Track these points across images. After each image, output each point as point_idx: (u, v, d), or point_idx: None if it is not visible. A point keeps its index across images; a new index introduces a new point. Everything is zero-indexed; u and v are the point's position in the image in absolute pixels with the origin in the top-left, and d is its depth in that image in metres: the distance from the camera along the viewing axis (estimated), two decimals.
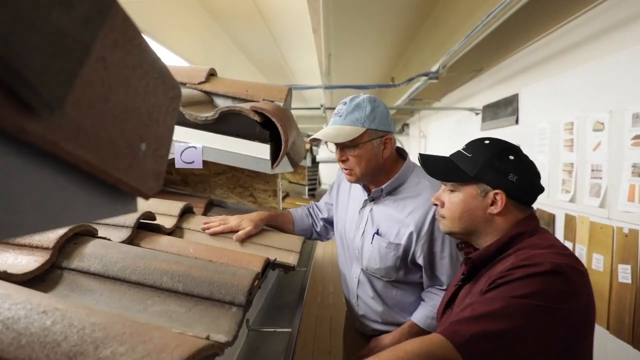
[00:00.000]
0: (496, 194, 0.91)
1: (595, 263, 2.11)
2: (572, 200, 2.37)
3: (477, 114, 4.02)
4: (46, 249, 0.71)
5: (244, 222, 1.24)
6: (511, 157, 0.92)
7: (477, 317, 0.76)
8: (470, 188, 0.94)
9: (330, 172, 6.87)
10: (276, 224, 1.40)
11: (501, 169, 0.91)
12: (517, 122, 3.18)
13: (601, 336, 1.95)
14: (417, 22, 3.41)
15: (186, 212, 1.25)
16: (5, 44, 0.20)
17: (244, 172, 1.54)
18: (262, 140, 1.21)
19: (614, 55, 2.07)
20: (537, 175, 0.95)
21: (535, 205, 0.97)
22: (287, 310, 1.27)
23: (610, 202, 2.05)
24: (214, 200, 1.55)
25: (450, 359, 0.72)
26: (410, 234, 1.22)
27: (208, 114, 1.20)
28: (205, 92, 1.42)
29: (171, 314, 0.66)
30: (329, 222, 1.56)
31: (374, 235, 1.29)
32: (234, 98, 1.42)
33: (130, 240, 0.92)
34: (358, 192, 1.40)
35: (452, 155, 1.02)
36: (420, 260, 1.24)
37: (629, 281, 1.90)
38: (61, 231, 0.74)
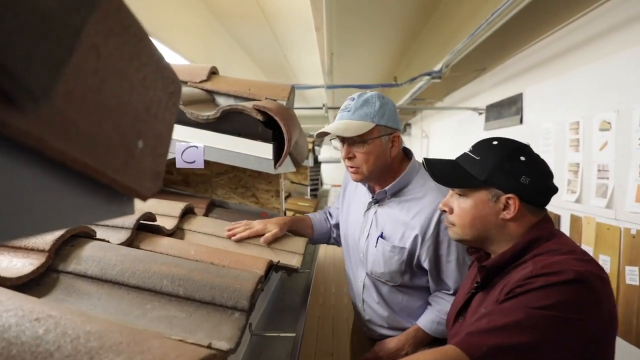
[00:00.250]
0: (508, 198, 0.87)
1: (602, 265, 2.08)
2: (577, 200, 2.34)
3: (480, 113, 3.99)
4: (42, 251, 0.68)
5: (270, 225, 1.23)
6: (522, 158, 0.87)
7: (494, 328, 0.73)
8: (481, 193, 0.89)
9: (332, 173, 6.86)
10: (296, 228, 1.39)
11: (512, 172, 0.86)
12: (521, 121, 3.15)
13: None
14: (420, 21, 3.38)
15: (187, 213, 1.23)
16: None
17: (246, 172, 1.51)
18: (264, 139, 1.19)
19: (620, 54, 2.04)
20: (550, 175, 0.90)
21: None
22: (291, 313, 1.25)
23: (618, 203, 2.02)
24: (215, 201, 1.52)
25: None
26: (416, 237, 1.19)
27: (210, 113, 1.18)
28: (207, 91, 1.40)
29: (171, 320, 0.63)
30: (339, 228, 1.54)
31: (378, 239, 1.26)
32: (236, 97, 1.39)
33: (130, 242, 0.90)
34: (362, 195, 1.37)
35: (458, 158, 0.97)
36: (425, 264, 1.20)
37: (637, 283, 1.87)
38: (58, 233, 0.72)
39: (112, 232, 0.90)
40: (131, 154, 0.31)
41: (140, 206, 0.97)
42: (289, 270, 1.11)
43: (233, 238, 1.16)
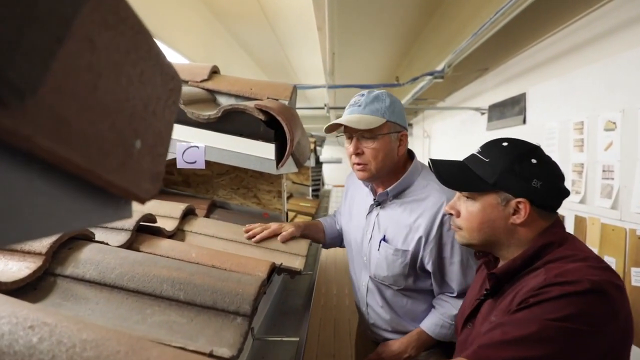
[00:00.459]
0: (519, 202, 0.83)
1: None
2: (582, 201, 2.32)
3: (482, 113, 3.97)
4: (39, 254, 0.66)
5: (287, 225, 1.25)
6: (533, 161, 0.84)
7: (508, 341, 0.70)
8: (489, 196, 0.86)
9: (334, 173, 6.83)
10: (309, 232, 1.39)
11: (523, 175, 0.83)
12: (524, 121, 3.13)
13: None
14: (422, 20, 3.36)
15: (188, 214, 1.21)
16: None
17: (248, 172, 1.49)
18: (266, 139, 1.17)
19: (625, 54, 2.02)
20: (562, 178, 0.87)
21: None
22: (293, 316, 1.23)
23: (623, 204, 2.00)
24: (216, 202, 1.50)
25: None
26: (419, 239, 1.17)
27: (211, 113, 1.16)
28: (208, 90, 1.38)
29: (172, 325, 0.61)
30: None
31: (380, 242, 1.24)
32: (237, 96, 1.37)
33: (130, 244, 0.88)
34: (365, 197, 1.35)
35: (466, 159, 0.94)
36: (429, 267, 1.19)
37: None
38: (55, 235, 0.70)
39: (111, 234, 0.88)
40: (128, 154, 0.29)
41: (141, 207, 0.95)
42: (292, 272, 1.09)
43: (253, 240, 1.16)
